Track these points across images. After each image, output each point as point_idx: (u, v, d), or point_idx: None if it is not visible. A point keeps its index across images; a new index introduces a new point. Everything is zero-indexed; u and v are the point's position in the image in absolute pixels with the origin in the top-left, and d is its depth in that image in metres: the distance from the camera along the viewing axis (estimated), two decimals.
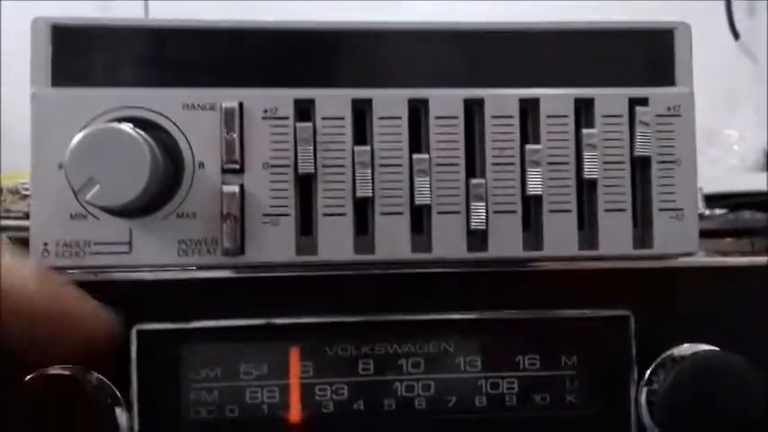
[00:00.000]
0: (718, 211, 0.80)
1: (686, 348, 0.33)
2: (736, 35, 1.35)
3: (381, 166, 0.32)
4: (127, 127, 0.29)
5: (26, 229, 0.62)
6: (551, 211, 0.33)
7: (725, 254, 0.71)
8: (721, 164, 1.21)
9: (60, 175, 0.31)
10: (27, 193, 0.69)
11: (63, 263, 0.31)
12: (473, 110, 0.33)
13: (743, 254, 0.70)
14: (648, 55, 0.34)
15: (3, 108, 0.93)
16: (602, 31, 0.34)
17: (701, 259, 0.35)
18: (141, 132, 0.29)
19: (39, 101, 0.31)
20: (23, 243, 0.57)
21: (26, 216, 0.68)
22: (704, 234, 0.39)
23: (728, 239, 0.73)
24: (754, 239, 0.71)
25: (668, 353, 0.33)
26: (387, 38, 0.34)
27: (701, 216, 0.56)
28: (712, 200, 0.76)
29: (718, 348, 0.32)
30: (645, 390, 0.33)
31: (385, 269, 0.33)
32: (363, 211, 0.33)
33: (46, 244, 0.31)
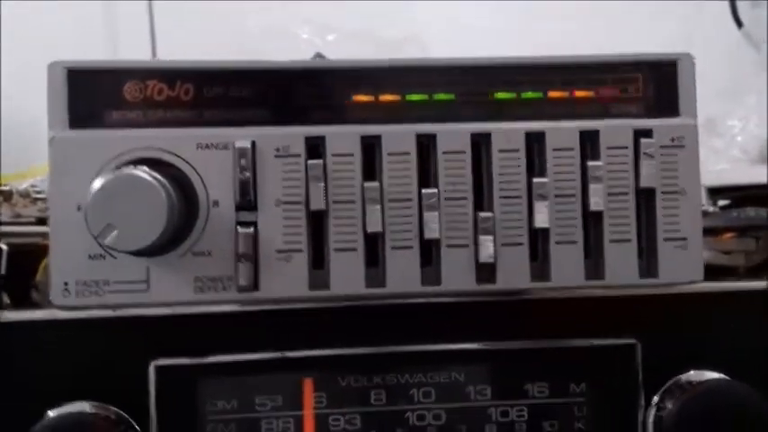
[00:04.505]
0: (720, 202, 0.80)
1: (693, 375, 0.34)
2: (739, 23, 1.35)
3: (391, 201, 0.33)
4: (143, 173, 0.30)
5: (38, 235, 0.63)
6: (558, 243, 0.33)
7: (728, 252, 0.71)
8: (724, 155, 1.21)
9: (79, 216, 0.31)
10: (38, 196, 0.70)
11: (83, 302, 0.32)
12: (480, 144, 0.34)
13: (747, 254, 0.70)
14: (652, 86, 0.35)
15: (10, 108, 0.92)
16: (605, 63, 0.34)
17: (705, 285, 0.35)
18: (158, 176, 0.30)
19: (57, 143, 0.32)
20: (33, 251, 0.58)
21: (38, 221, 0.68)
22: (707, 232, 0.39)
23: (729, 236, 0.73)
24: (758, 236, 0.71)
25: (675, 379, 0.34)
26: (394, 74, 0.34)
27: (704, 213, 0.56)
28: (716, 192, 0.77)
29: (724, 375, 0.33)
30: (652, 416, 0.34)
31: (395, 301, 0.34)
32: (374, 245, 0.33)
33: (66, 284, 0.32)
